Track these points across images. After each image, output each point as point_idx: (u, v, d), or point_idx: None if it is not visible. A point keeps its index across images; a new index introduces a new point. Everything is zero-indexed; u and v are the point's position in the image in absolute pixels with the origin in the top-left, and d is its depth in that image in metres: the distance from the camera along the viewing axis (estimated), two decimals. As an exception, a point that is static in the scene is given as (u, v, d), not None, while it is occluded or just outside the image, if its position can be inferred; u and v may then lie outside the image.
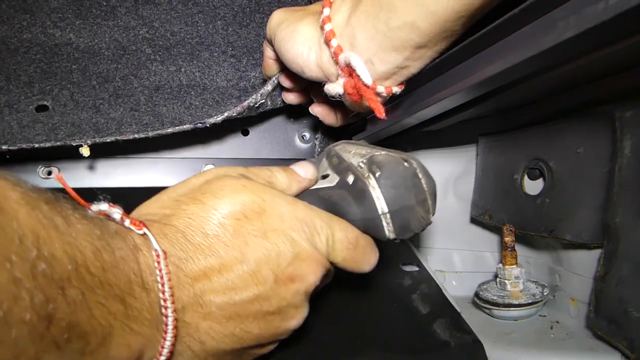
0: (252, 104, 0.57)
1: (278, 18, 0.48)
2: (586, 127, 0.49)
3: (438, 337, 0.47)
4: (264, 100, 0.58)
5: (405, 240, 0.66)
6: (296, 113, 0.68)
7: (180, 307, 0.30)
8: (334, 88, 0.44)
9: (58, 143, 0.53)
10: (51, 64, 0.60)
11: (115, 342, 0.26)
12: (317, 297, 0.49)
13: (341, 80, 0.43)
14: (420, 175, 0.40)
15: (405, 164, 0.40)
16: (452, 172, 0.68)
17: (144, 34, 0.63)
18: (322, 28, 0.42)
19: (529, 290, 0.54)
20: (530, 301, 0.53)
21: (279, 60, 0.54)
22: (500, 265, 0.56)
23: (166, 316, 0.29)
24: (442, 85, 0.40)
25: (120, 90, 0.60)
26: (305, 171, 0.42)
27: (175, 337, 0.29)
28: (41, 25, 0.60)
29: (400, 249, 0.64)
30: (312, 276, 0.34)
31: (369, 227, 0.40)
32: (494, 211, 0.60)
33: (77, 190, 0.31)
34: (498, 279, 0.56)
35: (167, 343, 0.29)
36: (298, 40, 0.45)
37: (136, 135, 0.56)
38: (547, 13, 0.29)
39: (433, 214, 0.42)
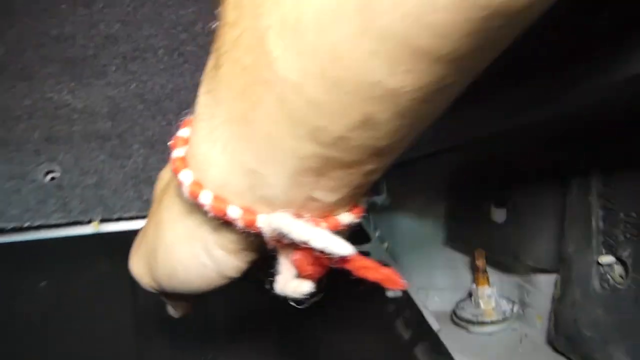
0: None
1: (137, 263, 0.30)
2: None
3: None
4: None
5: (387, 259, 0.71)
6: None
7: None
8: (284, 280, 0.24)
9: (72, 220, 0.60)
10: (53, 126, 0.65)
11: None
12: (297, 326, 0.53)
13: (285, 261, 0.23)
14: None
15: None
16: (430, 193, 0.73)
17: (134, 89, 0.68)
18: (172, 161, 0.23)
19: (500, 308, 0.60)
20: (501, 318, 0.58)
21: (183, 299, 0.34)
22: (474, 285, 0.61)
23: None
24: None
25: (118, 149, 0.65)
26: None
27: None
28: (39, 90, 0.65)
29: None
30: None
31: None
32: (466, 236, 0.65)
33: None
34: (472, 298, 0.61)
35: None
36: (174, 247, 0.25)
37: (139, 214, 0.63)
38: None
39: None
